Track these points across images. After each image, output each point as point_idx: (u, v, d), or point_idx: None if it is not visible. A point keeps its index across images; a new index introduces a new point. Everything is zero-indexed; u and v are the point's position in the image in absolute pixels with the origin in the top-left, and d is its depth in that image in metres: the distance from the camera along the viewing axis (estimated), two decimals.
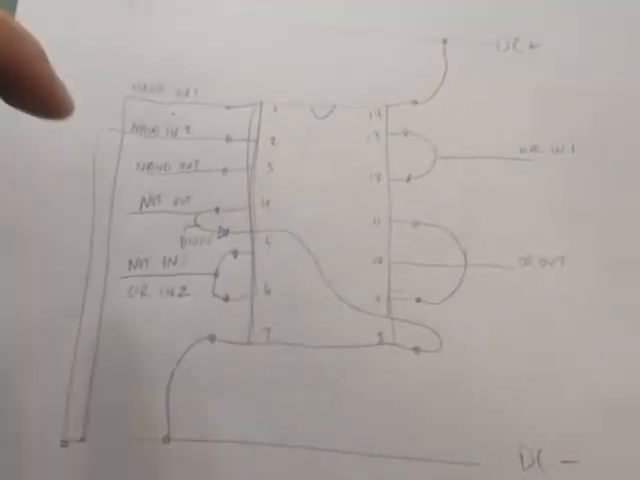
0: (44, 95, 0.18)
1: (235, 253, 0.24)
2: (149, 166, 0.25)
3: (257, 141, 0.25)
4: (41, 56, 0.18)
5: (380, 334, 0.23)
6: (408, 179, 0.25)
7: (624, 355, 0.23)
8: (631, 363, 0.23)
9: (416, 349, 0.23)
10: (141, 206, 0.24)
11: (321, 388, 0.22)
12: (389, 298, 0.24)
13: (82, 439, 0.22)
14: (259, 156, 0.25)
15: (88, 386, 0.22)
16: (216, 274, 0.24)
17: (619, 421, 0.22)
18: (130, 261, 0.24)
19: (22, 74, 0.18)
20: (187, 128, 0.25)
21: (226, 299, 0.23)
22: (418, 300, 0.23)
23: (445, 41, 0.26)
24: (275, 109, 0.26)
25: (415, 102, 0.26)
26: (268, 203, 0.24)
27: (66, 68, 0.25)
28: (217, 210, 0.24)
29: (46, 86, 0.18)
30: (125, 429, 0.22)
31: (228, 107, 0.26)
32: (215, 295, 0.23)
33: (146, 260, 0.24)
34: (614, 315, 0.23)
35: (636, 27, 0.26)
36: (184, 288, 0.23)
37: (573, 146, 0.25)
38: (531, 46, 0.26)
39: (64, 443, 0.22)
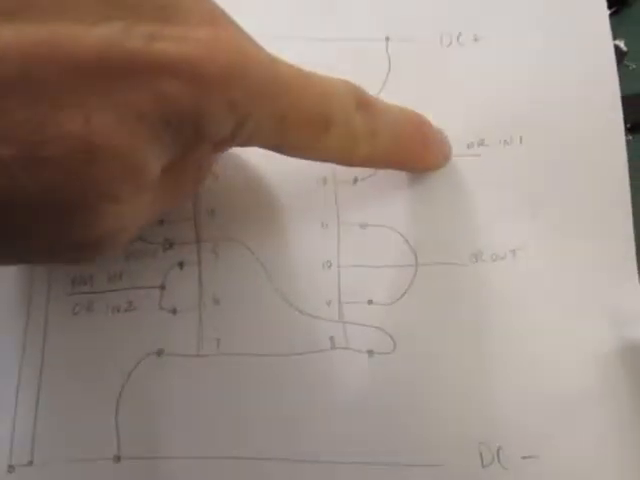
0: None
1: (181, 265, 0.24)
2: None
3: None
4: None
5: (332, 338, 0.23)
6: (355, 181, 0.25)
7: (580, 349, 0.22)
8: (587, 357, 0.22)
9: (370, 352, 0.23)
10: None
11: (274, 396, 0.22)
12: (340, 302, 0.23)
13: (29, 463, 0.22)
14: None
15: (34, 408, 0.22)
16: (162, 287, 0.23)
17: (577, 415, 0.22)
18: (74, 279, 0.23)
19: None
20: None
21: (174, 312, 0.23)
22: (370, 302, 0.23)
23: (387, 39, 0.26)
24: None
25: None
26: (213, 212, 0.24)
27: None
28: (161, 222, 0.24)
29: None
30: (74, 450, 0.22)
31: None
32: (162, 308, 0.23)
33: (90, 277, 0.24)
34: (568, 308, 0.23)
35: (579, 14, 0.26)
36: (130, 303, 0.23)
37: (521, 137, 0.25)
38: (475, 39, 0.26)
39: (11, 468, 0.22)
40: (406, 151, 0.22)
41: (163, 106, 0.14)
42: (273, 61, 0.17)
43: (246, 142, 0.17)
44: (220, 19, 0.16)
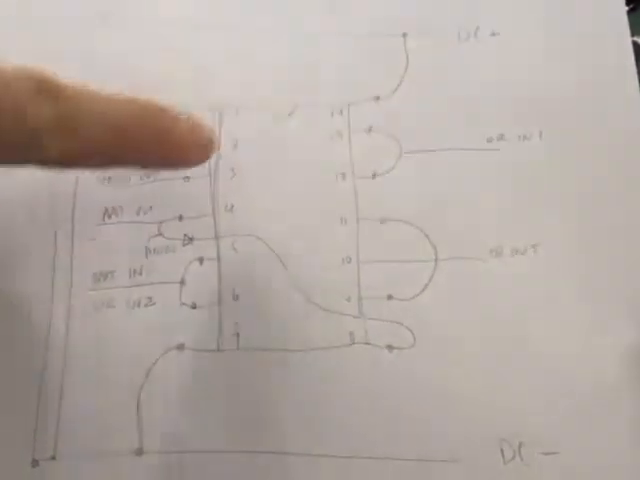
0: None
1: (201, 260, 0.24)
2: (109, 179, 0.25)
3: (219, 146, 0.25)
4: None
5: (352, 334, 0.23)
6: (374, 176, 0.25)
7: (602, 343, 0.22)
8: (608, 354, 0.22)
9: (389, 347, 0.23)
10: (103, 218, 0.24)
11: (294, 391, 0.22)
12: (360, 297, 0.23)
13: (53, 457, 0.22)
14: (221, 161, 0.25)
15: (57, 403, 0.22)
16: (182, 282, 0.23)
17: (598, 412, 0.22)
18: (94, 274, 0.24)
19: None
20: None
21: (193, 306, 0.23)
22: (390, 297, 0.23)
23: (405, 35, 0.26)
24: (236, 113, 0.25)
25: (377, 98, 0.25)
26: (232, 208, 0.24)
27: None
28: (180, 218, 0.24)
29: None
30: (96, 444, 0.22)
31: None
32: (183, 303, 0.23)
33: (111, 272, 0.24)
34: (590, 302, 0.23)
35: (597, 10, 0.26)
36: (150, 298, 0.23)
37: (540, 132, 0.25)
38: (492, 34, 0.26)
39: (35, 463, 0.22)
40: (130, 147, 0.18)
41: None
42: None
43: None
44: None
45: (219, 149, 0.23)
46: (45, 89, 0.16)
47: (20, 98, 0.16)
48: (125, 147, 0.18)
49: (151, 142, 0.18)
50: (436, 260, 0.23)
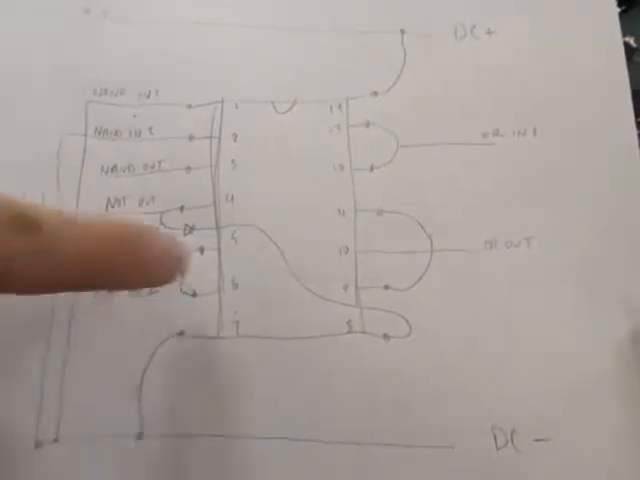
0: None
1: (202, 249, 0.24)
2: (113, 168, 0.25)
3: (219, 138, 0.25)
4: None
5: (349, 322, 0.23)
6: (371, 169, 0.25)
7: (595, 336, 0.23)
8: (602, 344, 0.23)
9: (386, 336, 0.23)
10: (107, 208, 0.25)
11: (292, 378, 0.23)
12: (357, 287, 0.24)
13: (55, 440, 0.22)
14: (222, 153, 0.25)
15: (60, 387, 0.23)
16: None
17: (591, 399, 0.22)
18: None
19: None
20: (150, 129, 0.26)
21: (194, 295, 0.24)
22: (386, 287, 0.24)
23: (403, 31, 0.27)
24: (236, 106, 0.26)
25: (375, 93, 0.26)
26: (233, 199, 0.25)
27: (26, 78, 0.26)
28: (182, 208, 0.25)
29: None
30: (98, 428, 0.22)
31: (189, 106, 0.26)
32: (183, 292, 0.24)
33: None
34: (583, 293, 0.23)
35: (590, 11, 0.27)
36: None
37: (534, 128, 0.25)
38: (488, 32, 0.26)
39: (38, 444, 0.22)
40: (97, 274, 0.18)
41: None
42: None
43: None
44: None
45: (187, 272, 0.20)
46: (22, 222, 0.16)
47: None
48: (104, 271, 0.18)
49: (128, 270, 0.18)
50: (431, 251, 0.24)
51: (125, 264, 0.18)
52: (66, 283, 0.18)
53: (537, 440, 0.22)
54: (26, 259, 0.16)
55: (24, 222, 0.16)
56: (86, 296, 0.23)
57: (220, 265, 0.24)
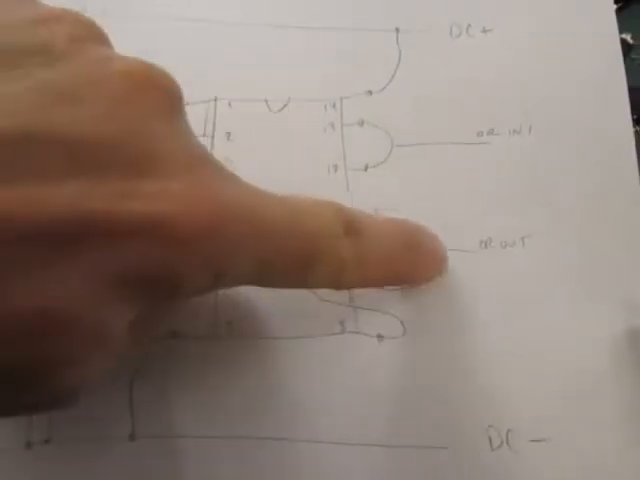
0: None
1: None
2: None
3: (213, 137, 0.25)
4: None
5: (342, 322, 0.23)
6: (366, 168, 0.25)
7: (591, 335, 0.23)
8: (598, 342, 0.23)
9: (379, 336, 0.23)
10: None
11: (285, 378, 0.23)
12: None
13: (47, 441, 0.22)
14: (215, 151, 0.25)
15: None
16: None
17: (587, 399, 0.22)
18: None
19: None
20: None
21: None
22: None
23: (398, 30, 0.26)
24: (229, 105, 0.26)
25: (369, 92, 0.26)
26: None
27: None
28: None
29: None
30: (90, 429, 0.22)
31: None
32: None
33: None
34: (578, 292, 0.23)
35: (587, 8, 0.26)
36: None
37: (530, 127, 0.25)
38: (484, 31, 0.26)
39: (29, 445, 0.22)
40: (396, 273, 0.21)
41: (131, 269, 0.12)
42: (257, 206, 0.16)
43: (227, 286, 0.17)
44: (199, 162, 0.15)
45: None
46: (351, 231, 0.18)
47: (334, 244, 0.18)
48: (396, 272, 0.20)
49: (412, 266, 0.21)
50: None
51: (413, 261, 0.21)
52: (371, 282, 0.20)
53: (533, 441, 0.22)
54: (354, 262, 0.18)
55: (354, 228, 0.18)
56: None
57: None
